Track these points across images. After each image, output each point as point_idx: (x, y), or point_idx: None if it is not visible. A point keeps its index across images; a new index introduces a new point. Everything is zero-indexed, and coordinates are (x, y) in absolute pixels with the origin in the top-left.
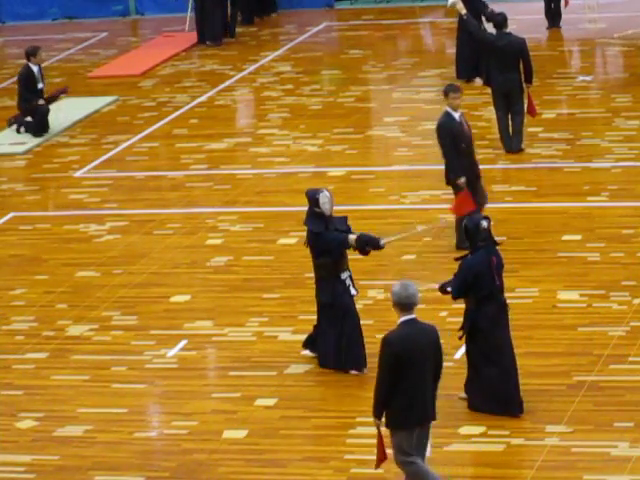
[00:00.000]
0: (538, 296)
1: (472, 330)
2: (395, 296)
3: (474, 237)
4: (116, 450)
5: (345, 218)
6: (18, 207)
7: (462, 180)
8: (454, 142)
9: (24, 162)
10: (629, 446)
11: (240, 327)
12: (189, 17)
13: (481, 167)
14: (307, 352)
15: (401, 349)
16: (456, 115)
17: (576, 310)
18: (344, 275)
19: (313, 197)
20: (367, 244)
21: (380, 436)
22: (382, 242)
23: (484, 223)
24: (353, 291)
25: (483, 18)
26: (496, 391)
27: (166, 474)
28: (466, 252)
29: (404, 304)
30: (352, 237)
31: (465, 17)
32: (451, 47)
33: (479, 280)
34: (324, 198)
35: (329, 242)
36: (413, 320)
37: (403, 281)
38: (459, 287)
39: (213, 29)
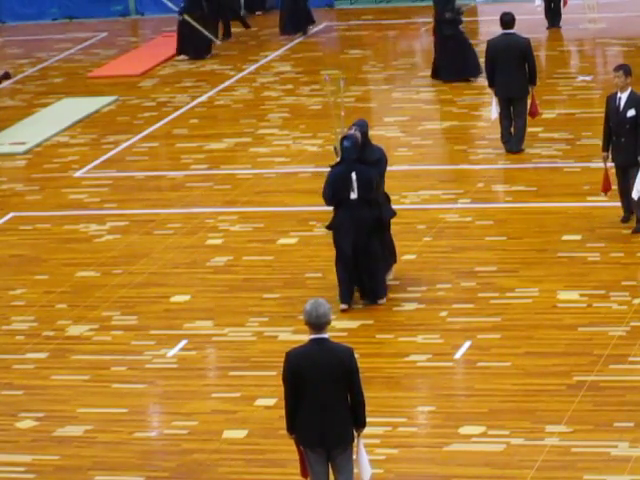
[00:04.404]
0: (538, 296)
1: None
2: (306, 315)
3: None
4: (116, 450)
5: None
6: (18, 207)
7: (603, 155)
8: (606, 118)
9: (24, 162)
10: (629, 446)
11: (240, 327)
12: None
13: (481, 167)
14: None
15: (297, 366)
16: (618, 95)
17: (576, 310)
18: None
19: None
20: None
21: (299, 452)
22: None
23: (345, 142)
24: None
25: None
26: None
27: (166, 474)
28: None
29: (314, 324)
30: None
31: None
32: None
33: (334, 187)
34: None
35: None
36: (322, 339)
37: (315, 300)
38: (324, 190)
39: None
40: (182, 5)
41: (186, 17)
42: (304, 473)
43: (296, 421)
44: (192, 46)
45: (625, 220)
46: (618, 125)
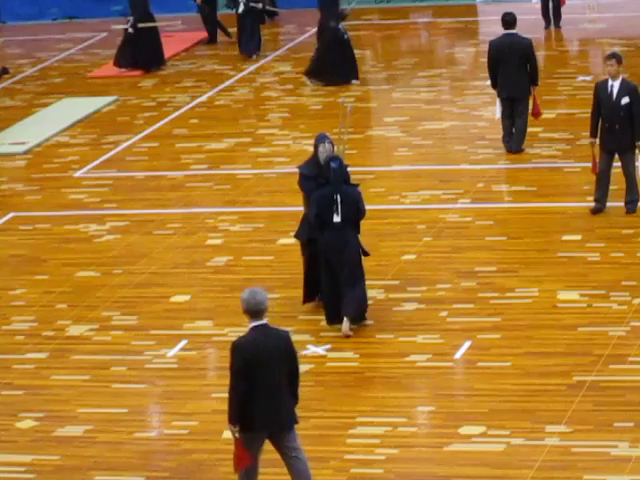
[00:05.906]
0: (538, 296)
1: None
2: (244, 303)
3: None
4: (116, 450)
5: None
6: (18, 207)
7: (590, 141)
8: (595, 105)
9: (24, 162)
10: (629, 446)
11: (240, 327)
12: None
13: (481, 167)
14: None
15: (249, 354)
16: (609, 83)
17: (576, 310)
18: None
19: (315, 143)
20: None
21: (239, 442)
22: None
23: (332, 164)
24: None
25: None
26: None
27: (166, 474)
28: None
29: (253, 311)
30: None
31: None
32: (451, 47)
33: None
34: (322, 148)
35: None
36: (263, 325)
37: (252, 288)
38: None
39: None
40: (130, 17)
41: (141, 25)
42: (244, 462)
43: (244, 409)
44: (147, 58)
45: (596, 211)
46: (612, 112)
